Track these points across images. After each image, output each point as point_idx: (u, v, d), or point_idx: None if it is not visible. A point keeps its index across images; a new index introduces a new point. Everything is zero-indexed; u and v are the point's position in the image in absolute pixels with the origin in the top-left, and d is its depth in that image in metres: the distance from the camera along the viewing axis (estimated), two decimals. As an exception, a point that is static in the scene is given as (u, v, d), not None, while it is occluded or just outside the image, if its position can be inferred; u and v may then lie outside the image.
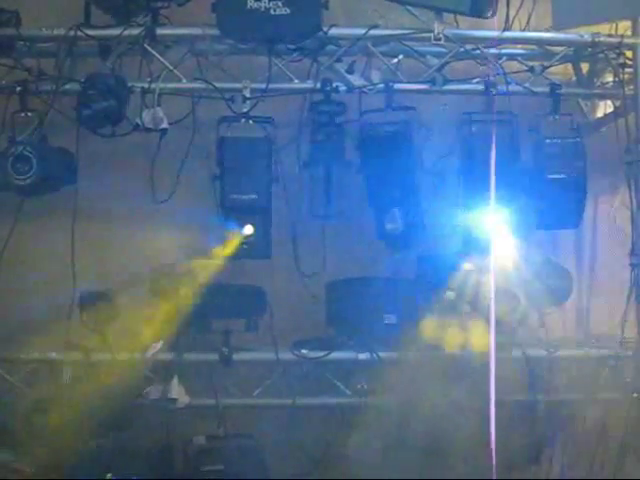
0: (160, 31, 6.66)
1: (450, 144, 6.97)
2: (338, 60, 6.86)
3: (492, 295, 6.62)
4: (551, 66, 7.06)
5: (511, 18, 6.92)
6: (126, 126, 6.63)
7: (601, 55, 7.04)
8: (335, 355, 6.92)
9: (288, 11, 6.46)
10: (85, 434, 6.58)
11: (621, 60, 6.98)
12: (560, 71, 7.34)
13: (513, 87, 6.91)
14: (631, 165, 6.95)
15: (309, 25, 6.60)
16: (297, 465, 7.03)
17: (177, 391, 6.81)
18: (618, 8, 6.92)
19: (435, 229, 6.85)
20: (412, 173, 6.77)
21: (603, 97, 7.43)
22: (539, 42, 7.12)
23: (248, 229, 6.71)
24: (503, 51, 7.05)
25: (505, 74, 6.89)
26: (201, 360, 6.96)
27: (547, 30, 7.07)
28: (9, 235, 6.68)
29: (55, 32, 6.64)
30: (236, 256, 6.68)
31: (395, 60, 6.98)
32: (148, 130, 6.65)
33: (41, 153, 6.61)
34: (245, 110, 6.74)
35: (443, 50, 6.89)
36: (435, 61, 6.91)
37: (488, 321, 6.44)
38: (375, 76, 6.87)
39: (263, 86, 6.70)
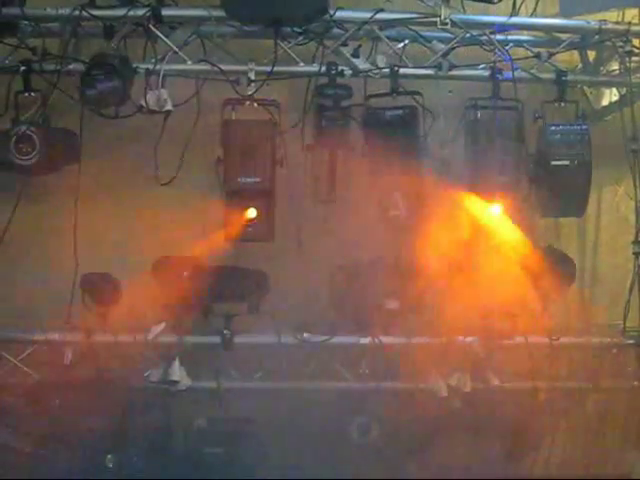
0: (165, 12, 6.63)
1: (455, 130, 6.95)
2: (344, 44, 6.83)
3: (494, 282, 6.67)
4: (557, 53, 7.03)
5: (518, 4, 6.89)
6: (130, 107, 6.60)
7: (608, 43, 7.00)
8: (337, 339, 6.92)
9: (294, -7, 6.43)
10: (86, 415, 6.58)
11: (628, 48, 6.95)
12: (566, 58, 7.31)
13: (519, 73, 6.89)
14: (636, 153, 6.93)
15: (315, 8, 6.57)
16: (297, 449, 7.01)
17: (178, 373, 6.82)
18: (626, -5, 6.92)
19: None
20: (417, 158, 6.75)
21: (609, 85, 7.43)
22: (546, 28, 7.10)
23: (251, 212, 6.70)
24: (509, 37, 7.03)
25: (511, 60, 6.87)
26: (203, 343, 6.95)
27: (554, 17, 7.06)
28: (11, 215, 6.65)
29: (60, 12, 6.60)
30: (239, 239, 6.67)
31: (401, 45, 6.95)
32: (152, 112, 6.61)
33: (44, 133, 6.61)
34: (250, 93, 6.72)
35: (449, 35, 6.86)
36: (441, 46, 6.88)
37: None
38: (381, 60, 6.83)
39: (268, 69, 6.66)
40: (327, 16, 6.62)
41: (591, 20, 6.91)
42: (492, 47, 6.87)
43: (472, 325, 6.91)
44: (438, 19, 6.66)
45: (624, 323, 7.03)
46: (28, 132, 6.53)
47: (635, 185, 6.94)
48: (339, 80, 6.78)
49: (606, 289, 7.67)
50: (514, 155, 6.79)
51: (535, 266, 6.84)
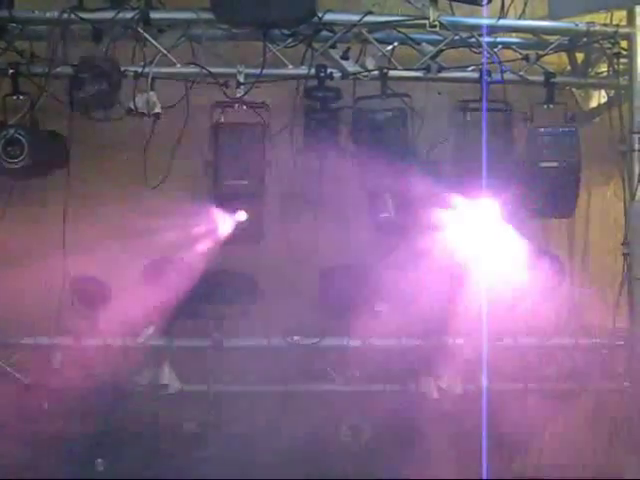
0: (154, 15, 6.61)
1: (444, 132, 6.97)
2: (333, 46, 6.82)
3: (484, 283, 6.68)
4: (546, 55, 7.05)
5: (507, 6, 6.91)
6: (119, 110, 6.58)
7: (596, 45, 7.02)
8: (327, 342, 6.92)
9: (283, -4, 6.43)
10: (75, 419, 6.57)
11: (616, 50, 6.98)
12: (555, 60, 7.33)
13: (508, 75, 6.91)
14: (625, 155, 6.97)
15: (304, 10, 6.56)
16: (287, 452, 7.01)
17: (168, 377, 6.81)
18: (614, -2, 6.94)
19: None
20: (406, 160, 6.75)
21: (597, 87, 7.44)
22: (534, 30, 7.12)
23: (241, 215, 6.70)
24: (498, 39, 7.05)
25: (500, 62, 6.88)
26: (193, 346, 6.94)
27: (542, 19, 7.08)
28: (-1, 219, 6.65)
29: (48, 15, 6.57)
30: (229, 241, 6.67)
31: (390, 47, 6.95)
32: (141, 115, 6.59)
33: (33, 137, 6.56)
34: (239, 95, 6.71)
35: (438, 37, 6.87)
36: (430, 48, 6.88)
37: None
38: (370, 63, 6.83)
39: (257, 71, 6.65)
40: (316, 19, 6.62)
41: (579, 22, 6.93)
42: (481, 49, 6.89)
43: (462, 327, 6.91)
44: (427, 21, 6.66)
45: (614, 324, 7.05)
46: (17, 135, 6.50)
47: (624, 186, 6.98)
48: (328, 83, 6.78)
49: (595, 290, 7.67)
50: (503, 157, 6.80)
51: (525, 267, 6.85)
